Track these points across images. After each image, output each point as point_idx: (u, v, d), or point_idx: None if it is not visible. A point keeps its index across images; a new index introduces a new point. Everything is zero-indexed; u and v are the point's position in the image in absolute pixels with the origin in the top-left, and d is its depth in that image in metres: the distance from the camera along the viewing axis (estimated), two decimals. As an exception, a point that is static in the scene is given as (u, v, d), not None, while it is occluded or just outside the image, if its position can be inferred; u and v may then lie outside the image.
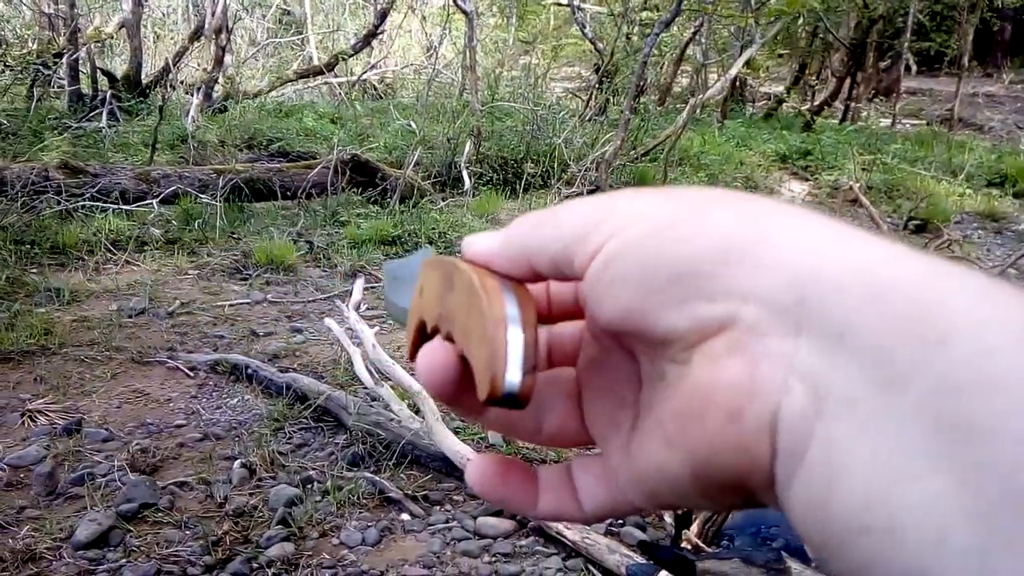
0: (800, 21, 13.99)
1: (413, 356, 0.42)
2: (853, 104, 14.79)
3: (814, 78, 16.37)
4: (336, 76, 12.90)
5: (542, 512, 0.41)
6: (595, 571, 2.52)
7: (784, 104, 15.18)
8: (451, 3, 9.62)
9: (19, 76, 9.65)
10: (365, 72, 13.54)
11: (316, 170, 6.94)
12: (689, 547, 2.35)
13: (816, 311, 0.29)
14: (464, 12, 8.77)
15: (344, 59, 12.76)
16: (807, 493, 0.29)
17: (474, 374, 0.36)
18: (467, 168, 7.84)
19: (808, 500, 0.29)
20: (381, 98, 13.38)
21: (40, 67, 9.48)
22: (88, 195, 5.96)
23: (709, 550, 2.34)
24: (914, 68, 17.32)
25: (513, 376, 0.34)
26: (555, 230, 0.37)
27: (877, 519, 0.26)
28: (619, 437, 0.38)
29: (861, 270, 0.29)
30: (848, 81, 14.61)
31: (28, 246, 5.32)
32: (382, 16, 12.42)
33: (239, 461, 3.09)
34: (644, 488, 0.37)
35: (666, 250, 0.32)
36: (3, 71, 9.30)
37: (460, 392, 0.39)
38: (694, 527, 2.44)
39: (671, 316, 0.32)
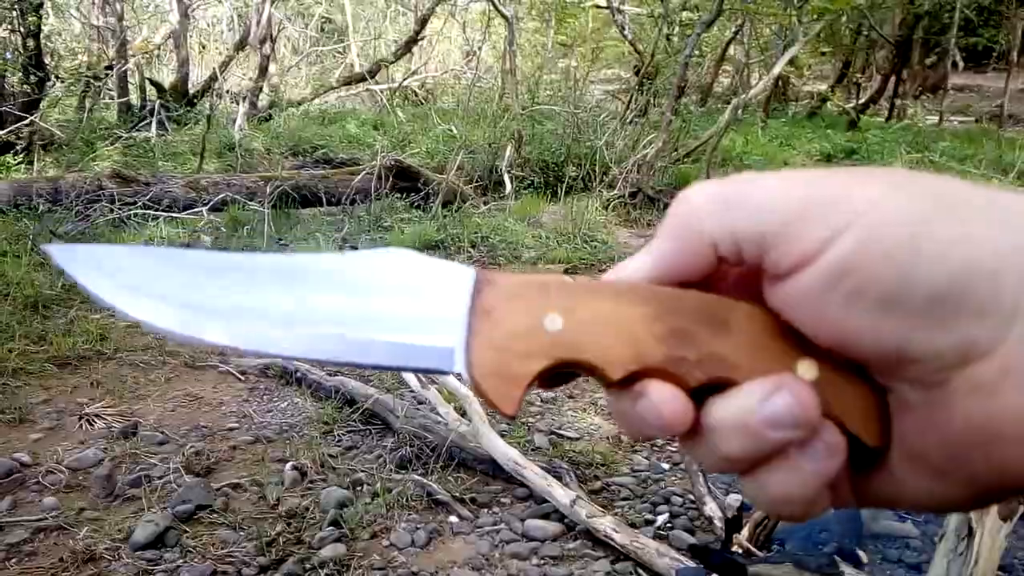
0: (844, 18, 13.83)
1: (520, 402, 0.35)
2: (899, 101, 14.59)
3: (859, 75, 16.17)
4: (377, 83, 13.01)
5: None
6: (644, 575, 2.52)
7: (828, 102, 15.01)
8: (491, 8, 9.66)
9: (70, 88, 9.85)
10: (406, 78, 13.64)
11: (360, 176, 7.01)
12: (740, 551, 2.34)
13: None
14: (504, 16, 8.82)
15: (385, 66, 12.87)
16: None
17: (855, 425, 0.33)
18: (508, 172, 7.87)
19: None
20: (422, 104, 13.47)
21: (91, 79, 9.69)
22: (140, 203, 6.08)
23: (760, 554, 2.33)
24: (961, 64, 17.06)
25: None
26: (747, 212, 0.32)
27: None
28: None
29: None
30: (894, 78, 14.42)
31: (82, 254, 5.43)
32: (422, 22, 12.51)
33: (290, 463, 3.13)
34: (879, 501, 0.35)
35: (924, 265, 0.29)
36: (55, 83, 9.51)
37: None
38: (745, 531, 2.43)
39: (931, 337, 0.30)
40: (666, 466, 3.28)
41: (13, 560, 2.56)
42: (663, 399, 0.33)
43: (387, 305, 0.36)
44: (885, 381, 0.33)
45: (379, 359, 0.36)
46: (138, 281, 0.37)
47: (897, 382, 0.32)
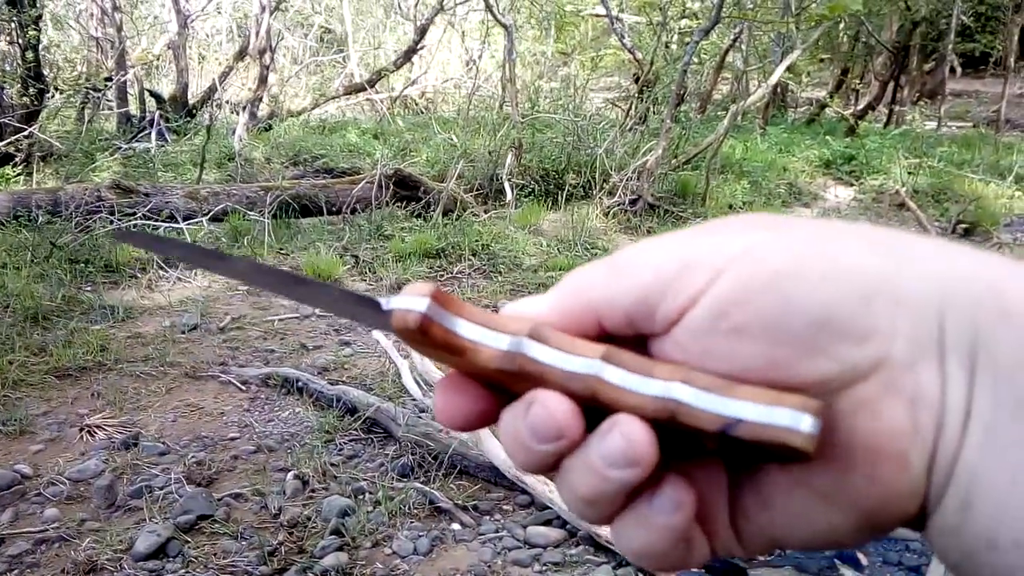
0: (842, 25, 13.88)
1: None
2: (897, 108, 14.61)
3: (857, 82, 16.21)
4: (378, 92, 13.04)
5: None
6: (646, 580, 2.52)
7: (827, 109, 15.04)
8: (490, 17, 9.69)
9: (69, 99, 9.87)
10: (406, 87, 13.68)
11: (360, 185, 7.02)
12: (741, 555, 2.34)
13: (954, 335, 0.29)
14: (503, 25, 8.84)
15: (385, 75, 12.90)
16: (945, 518, 0.29)
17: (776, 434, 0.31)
18: (509, 180, 7.88)
19: (945, 524, 0.29)
20: (422, 113, 13.50)
21: (90, 90, 9.71)
22: (140, 214, 6.09)
23: (761, 558, 2.33)
24: (959, 70, 17.08)
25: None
26: (628, 279, 0.33)
27: (1006, 535, 0.28)
28: (715, 494, 0.35)
29: (992, 292, 0.29)
30: (892, 84, 14.45)
31: (83, 265, 5.45)
32: (422, 32, 12.54)
33: (292, 473, 3.13)
34: (763, 541, 0.35)
35: (801, 295, 0.30)
36: (54, 94, 9.53)
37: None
38: (746, 535, 2.42)
39: (815, 363, 0.30)
40: (668, 473, 3.28)
41: (15, 572, 2.56)
42: (555, 403, 0.33)
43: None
44: None
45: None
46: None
47: None
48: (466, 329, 0.35)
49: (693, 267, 0.32)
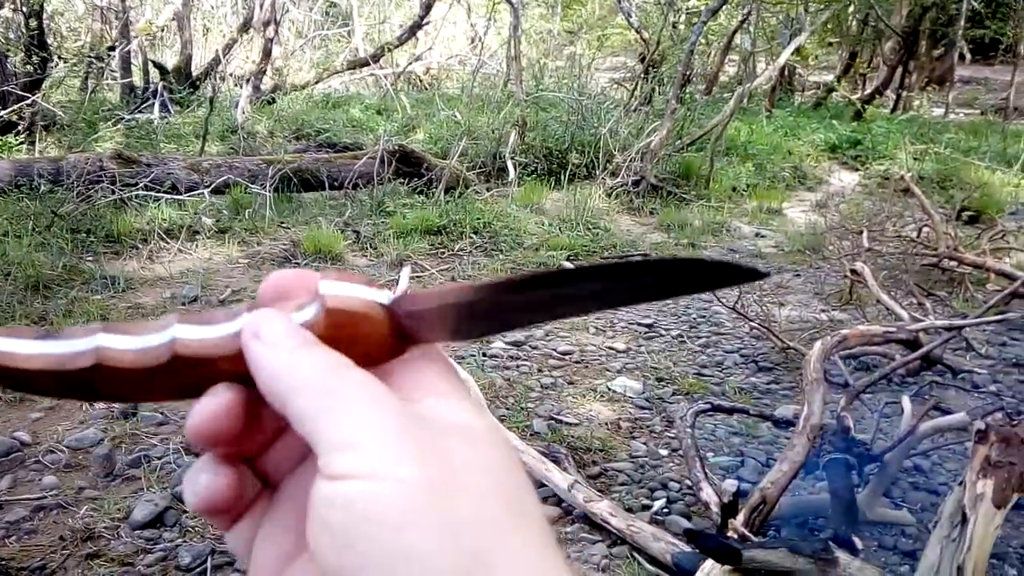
0: (851, 8, 13.79)
1: None
2: (905, 93, 14.53)
3: (865, 66, 16.12)
4: (382, 68, 12.98)
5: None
6: (640, 558, 2.53)
7: (834, 93, 14.97)
8: (497, -7, 9.63)
9: (73, 68, 9.83)
10: (410, 63, 13.60)
11: (363, 161, 7.00)
12: (735, 536, 2.35)
13: None
14: (509, 2, 8.80)
15: (390, 50, 12.83)
16: None
17: None
18: (512, 158, 7.86)
19: None
20: (426, 89, 13.44)
21: (93, 59, 9.66)
22: (141, 185, 6.07)
23: (755, 539, 2.34)
24: (968, 56, 16.98)
25: None
26: (327, 399, 0.34)
27: None
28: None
29: None
30: (900, 70, 14.38)
31: (84, 235, 5.44)
32: (427, 7, 12.47)
33: (289, 445, 3.14)
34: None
35: (389, 547, 0.30)
36: (57, 63, 9.48)
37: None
38: (740, 516, 2.43)
39: None
40: (664, 452, 3.29)
41: (13, 538, 2.58)
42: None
43: None
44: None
45: None
46: None
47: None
48: None
49: (362, 447, 0.32)
